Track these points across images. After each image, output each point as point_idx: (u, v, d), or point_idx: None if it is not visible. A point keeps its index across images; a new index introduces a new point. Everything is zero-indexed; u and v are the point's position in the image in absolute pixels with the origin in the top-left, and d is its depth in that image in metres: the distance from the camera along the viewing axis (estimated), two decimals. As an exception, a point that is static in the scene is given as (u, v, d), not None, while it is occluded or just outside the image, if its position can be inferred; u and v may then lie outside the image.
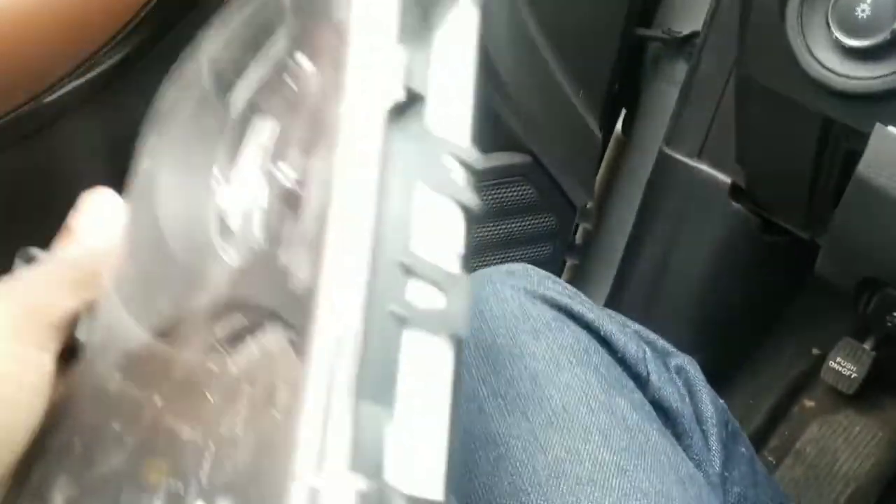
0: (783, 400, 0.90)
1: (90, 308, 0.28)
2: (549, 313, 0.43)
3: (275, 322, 0.22)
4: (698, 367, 0.50)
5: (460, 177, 0.22)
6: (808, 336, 0.91)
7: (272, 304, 0.22)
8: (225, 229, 0.27)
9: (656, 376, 0.45)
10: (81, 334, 0.29)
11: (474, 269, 0.71)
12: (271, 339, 0.22)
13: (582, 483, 0.35)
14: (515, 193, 0.68)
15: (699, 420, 0.46)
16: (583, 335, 0.43)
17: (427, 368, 0.19)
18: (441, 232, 0.21)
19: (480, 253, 0.72)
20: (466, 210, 0.21)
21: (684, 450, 0.43)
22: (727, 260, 0.73)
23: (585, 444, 0.36)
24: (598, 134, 0.71)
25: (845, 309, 0.91)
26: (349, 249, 0.19)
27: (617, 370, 0.43)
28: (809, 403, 0.91)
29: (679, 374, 0.48)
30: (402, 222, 0.20)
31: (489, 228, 0.71)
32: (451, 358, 0.20)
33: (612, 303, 0.78)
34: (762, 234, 0.72)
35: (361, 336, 0.18)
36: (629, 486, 0.35)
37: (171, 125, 0.30)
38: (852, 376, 0.84)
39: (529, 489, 0.35)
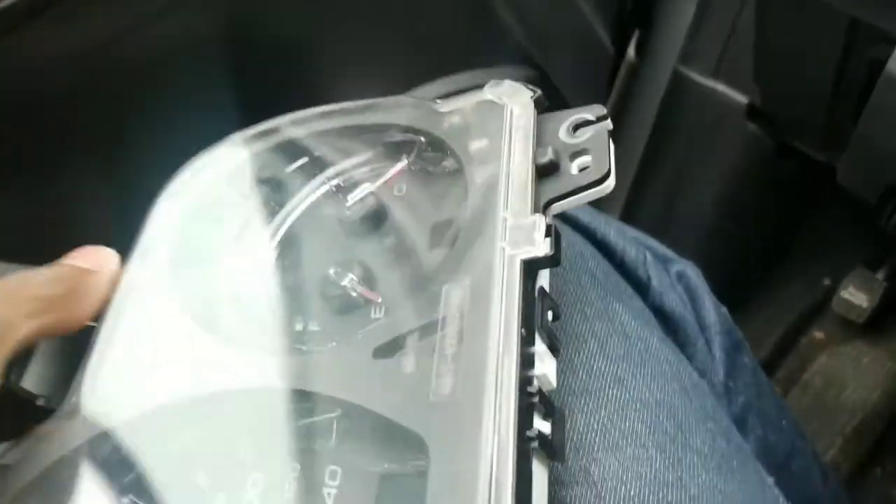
0: (791, 331, 0.89)
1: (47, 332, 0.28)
2: None
3: None
4: (700, 273, 0.48)
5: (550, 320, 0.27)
6: (819, 266, 0.90)
7: None
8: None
9: (657, 282, 0.43)
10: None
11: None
12: None
13: (575, 394, 0.32)
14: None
15: (702, 328, 0.44)
16: (577, 239, 0.41)
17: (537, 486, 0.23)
18: (544, 367, 0.25)
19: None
20: (555, 351, 0.26)
21: (688, 358, 0.41)
22: (741, 184, 0.71)
23: (578, 354, 0.34)
24: (611, 49, 0.69)
25: (858, 238, 0.90)
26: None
27: (615, 276, 0.41)
28: (818, 334, 0.90)
29: (680, 280, 0.46)
30: (529, 357, 0.24)
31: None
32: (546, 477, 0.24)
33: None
34: (777, 157, 0.70)
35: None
36: (627, 396, 0.32)
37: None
38: (863, 306, 0.84)
39: None
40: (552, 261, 0.26)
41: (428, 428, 0.23)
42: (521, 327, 0.24)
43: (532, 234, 0.26)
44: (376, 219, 0.32)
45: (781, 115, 0.65)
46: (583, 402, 0.32)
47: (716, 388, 0.42)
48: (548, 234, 0.26)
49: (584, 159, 0.29)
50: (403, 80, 0.63)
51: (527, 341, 0.24)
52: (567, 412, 0.31)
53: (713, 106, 0.68)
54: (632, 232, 0.46)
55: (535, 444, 0.23)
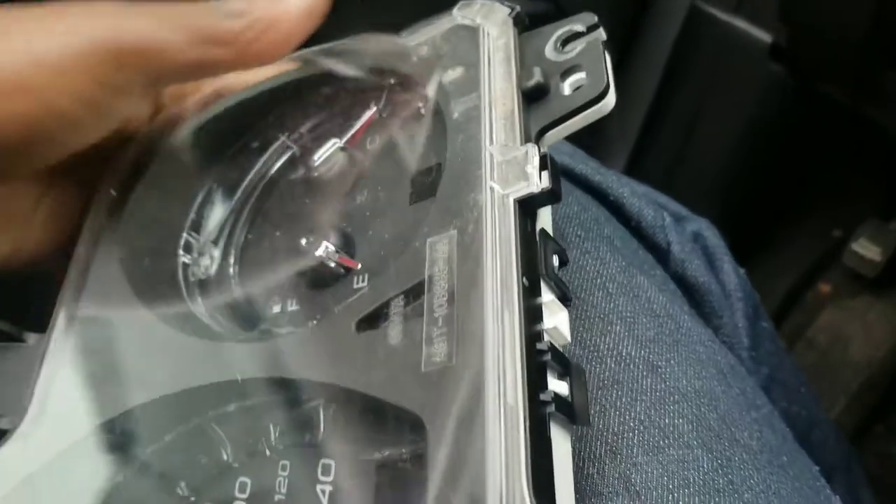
0: (798, 284, 0.86)
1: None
2: None
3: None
4: (717, 232, 0.43)
5: (557, 267, 0.23)
6: (830, 217, 0.86)
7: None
8: None
9: (678, 247, 0.38)
10: None
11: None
12: None
13: (605, 386, 0.28)
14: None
15: (724, 295, 0.40)
16: (589, 202, 0.36)
17: (558, 455, 0.20)
18: (556, 320, 0.22)
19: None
20: (566, 300, 0.23)
21: (714, 332, 0.36)
22: (757, 129, 0.67)
23: (604, 338, 0.29)
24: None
25: (871, 189, 0.86)
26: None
27: (633, 242, 0.36)
28: (825, 288, 0.87)
29: (696, 240, 0.41)
30: (535, 309, 0.21)
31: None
32: (569, 445, 0.21)
33: (630, 173, 0.72)
34: (798, 102, 0.65)
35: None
36: (663, 386, 0.28)
37: None
38: (876, 259, 0.80)
39: None
40: (551, 196, 0.23)
41: (423, 403, 0.20)
42: (522, 276, 0.21)
43: (524, 167, 0.23)
44: (348, 177, 0.29)
45: (808, 55, 0.60)
46: (615, 395, 0.28)
47: (744, 362, 0.38)
48: (543, 166, 0.23)
49: (578, 77, 0.26)
50: (390, 25, 0.57)
51: (530, 292, 0.21)
52: (598, 408, 0.27)
53: (732, 44, 0.63)
54: (642, 188, 0.41)
55: (552, 408, 0.20)
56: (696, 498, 0.25)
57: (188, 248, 0.30)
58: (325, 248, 0.26)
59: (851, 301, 0.86)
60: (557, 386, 0.21)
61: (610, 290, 0.31)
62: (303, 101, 0.31)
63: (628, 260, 0.33)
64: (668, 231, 0.38)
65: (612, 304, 0.31)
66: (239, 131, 0.31)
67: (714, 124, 0.67)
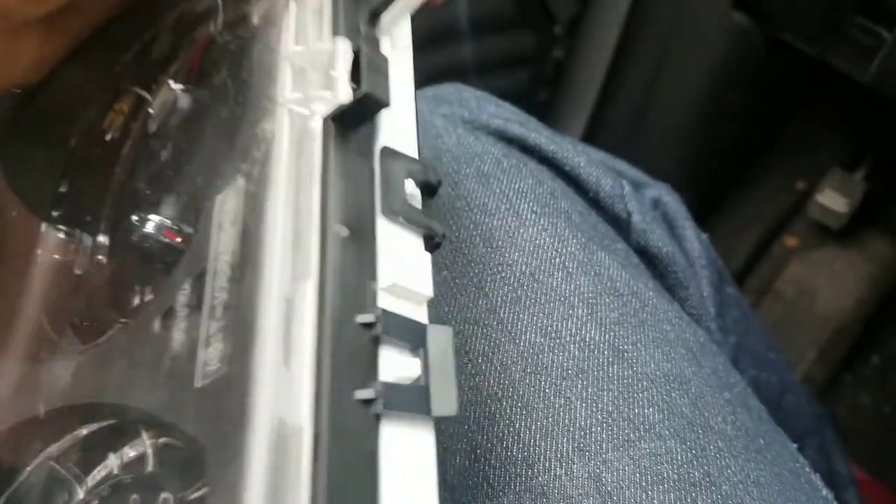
0: (764, 238, 0.85)
1: None
2: (498, 148, 0.33)
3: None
4: (677, 197, 0.41)
5: (418, 199, 0.18)
6: (795, 169, 0.85)
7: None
8: None
9: (639, 217, 0.36)
10: None
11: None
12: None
13: (569, 376, 0.25)
14: (488, 5, 0.58)
15: (689, 263, 0.38)
16: (544, 174, 0.33)
17: (409, 465, 0.15)
18: (407, 273, 0.17)
19: (444, 79, 0.63)
20: (430, 240, 0.18)
21: (680, 304, 0.35)
22: (723, 82, 0.65)
23: (567, 323, 0.27)
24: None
25: (834, 140, 0.85)
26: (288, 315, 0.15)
27: (592, 215, 0.34)
28: (791, 241, 0.86)
29: (656, 207, 0.39)
30: (362, 267, 0.16)
31: (455, 49, 0.61)
32: (432, 444, 0.16)
33: (589, 137, 0.69)
34: (763, 53, 0.63)
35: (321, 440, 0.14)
36: (631, 372, 0.26)
37: None
38: (841, 210, 0.79)
39: (499, 392, 0.26)
40: (372, 104, 0.17)
41: (203, 427, 0.16)
42: (336, 223, 0.16)
43: (328, 71, 0.18)
44: (189, 127, 0.23)
45: (774, 3, 0.57)
46: (580, 385, 0.26)
47: (712, 334, 0.36)
48: (358, 64, 0.18)
49: None
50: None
51: (355, 243, 0.16)
52: (563, 401, 0.25)
53: (694, -6, 0.60)
54: (599, 155, 0.39)
55: (378, 406, 0.15)
56: (672, 494, 0.23)
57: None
58: (157, 223, 0.21)
59: (817, 253, 0.85)
60: (401, 367, 0.16)
61: (570, 270, 0.29)
62: (146, 41, 0.26)
63: (588, 235, 0.31)
64: (628, 200, 0.35)
65: (573, 285, 0.28)
66: (87, 95, 0.26)
67: (677, 77, 0.65)
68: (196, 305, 0.17)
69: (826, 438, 0.51)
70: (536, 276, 0.28)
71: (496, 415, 0.25)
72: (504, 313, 0.28)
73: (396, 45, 0.21)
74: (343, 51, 0.18)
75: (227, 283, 0.17)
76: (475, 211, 0.30)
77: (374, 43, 0.19)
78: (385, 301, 0.16)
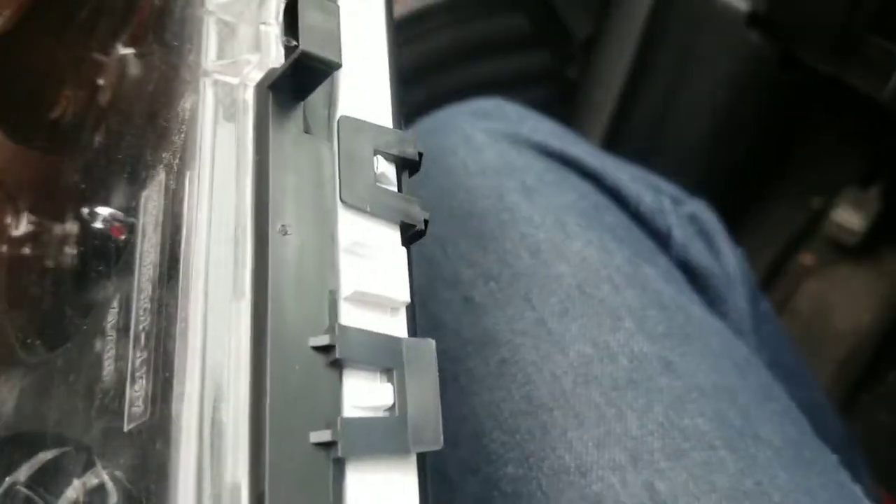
0: (780, 255, 0.84)
1: None
2: (540, 163, 0.33)
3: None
4: (714, 215, 0.42)
5: (392, 179, 0.15)
6: (810, 186, 0.85)
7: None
8: None
9: (679, 231, 0.36)
10: None
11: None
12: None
13: (620, 387, 0.26)
14: (503, 25, 0.58)
15: (727, 279, 0.38)
16: (587, 188, 0.34)
17: None
18: (377, 276, 0.14)
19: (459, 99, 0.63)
20: (408, 230, 0.14)
21: (721, 318, 0.34)
22: (736, 100, 0.65)
23: (615, 334, 0.27)
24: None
25: (850, 158, 0.85)
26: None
27: (635, 230, 0.34)
28: (807, 258, 0.86)
29: (693, 222, 0.40)
30: (318, 274, 0.13)
31: (470, 70, 0.61)
32: (414, 490, 0.13)
33: (607, 146, 0.69)
34: (777, 70, 0.63)
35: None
36: (680, 384, 0.26)
37: None
38: (856, 227, 0.79)
39: (551, 402, 0.26)
40: (316, 65, 0.13)
41: (134, 475, 0.13)
42: (283, 221, 0.13)
43: (259, 25, 0.14)
44: (136, 97, 0.19)
45: (787, 21, 0.58)
46: (630, 396, 0.26)
47: (751, 348, 0.36)
48: (293, 20, 0.14)
49: None
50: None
51: (313, 240, 0.13)
52: (615, 411, 0.24)
53: (710, 13, 0.60)
54: (637, 170, 0.39)
55: (336, 451, 0.12)
56: (724, 503, 0.23)
57: None
58: (106, 216, 0.18)
59: (834, 270, 0.85)
60: (369, 397, 0.13)
61: (617, 283, 0.29)
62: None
63: (632, 249, 0.31)
64: (668, 215, 0.36)
65: (620, 298, 0.28)
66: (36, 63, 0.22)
67: (691, 94, 0.65)
68: (124, 330, 0.14)
69: (856, 458, 0.50)
70: (584, 289, 0.29)
71: (548, 424, 0.25)
72: (553, 324, 0.28)
73: None
74: (270, 6, 0.14)
75: (150, 304, 0.14)
76: (521, 223, 0.30)
77: None
78: (348, 315, 0.13)
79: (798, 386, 0.44)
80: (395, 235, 0.15)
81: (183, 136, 0.14)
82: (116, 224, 0.17)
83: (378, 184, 0.14)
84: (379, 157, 0.15)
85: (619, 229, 0.32)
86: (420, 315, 0.29)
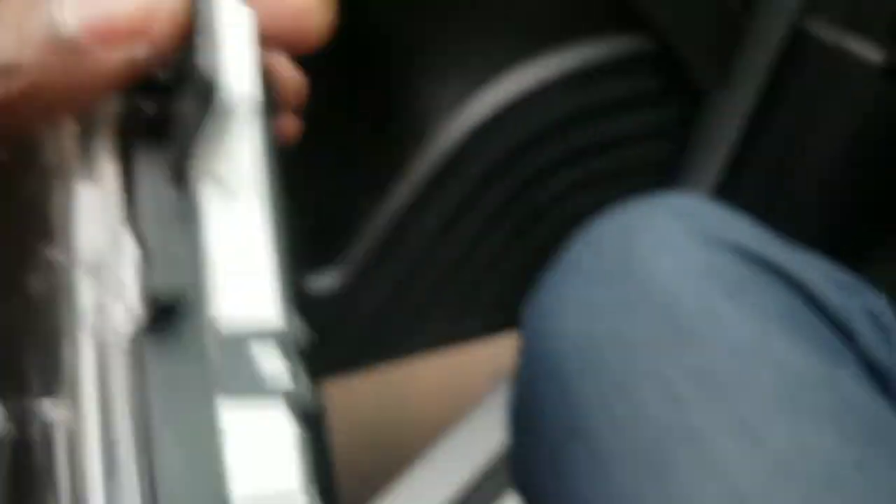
0: None
1: None
2: (741, 267, 0.35)
3: None
4: (892, 310, 0.41)
5: (277, 366, 0.14)
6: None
7: None
8: None
9: (867, 331, 0.37)
10: None
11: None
12: None
13: (814, 484, 0.28)
14: (629, 83, 0.57)
15: None
16: (784, 291, 0.35)
17: None
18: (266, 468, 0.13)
19: (579, 157, 0.61)
20: (302, 413, 0.14)
21: None
22: (865, 154, 0.62)
23: (812, 435, 0.29)
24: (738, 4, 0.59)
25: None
26: None
27: (827, 333, 0.36)
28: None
29: (868, 316, 0.40)
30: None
31: (592, 130, 0.59)
32: None
33: (720, 196, 0.67)
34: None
35: None
36: (871, 485, 0.28)
37: None
38: None
39: (749, 493, 0.28)
40: (174, 308, 0.13)
41: None
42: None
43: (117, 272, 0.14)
44: None
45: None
46: (826, 496, 0.28)
47: None
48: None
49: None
50: (500, 61, 0.54)
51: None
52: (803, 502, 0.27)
53: (839, 64, 0.58)
54: (825, 265, 0.40)
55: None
56: None
57: None
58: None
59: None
60: None
61: (814, 385, 0.31)
62: None
63: (828, 353, 0.33)
64: (855, 315, 0.36)
65: (816, 400, 0.30)
66: None
67: (817, 147, 0.63)
68: None
69: None
70: (784, 391, 0.31)
71: None
72: (754, 422, 0.30)
73: (237, 187, 0.16)
74: (128, 245, 0.13)
75: None
76: (726, 326, 0.32)
77: (174, 214, 0.14)
78: None
79: None
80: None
81: (69, 392, 0.14)
82: None
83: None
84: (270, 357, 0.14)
85: (815, 333, 0.34)
86: (624, 409, 0.31)
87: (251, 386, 0.13)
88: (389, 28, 0.53)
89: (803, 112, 0.62)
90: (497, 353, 0.63)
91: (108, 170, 0.15)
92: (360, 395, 0.80)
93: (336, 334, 0.55)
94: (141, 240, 0.14)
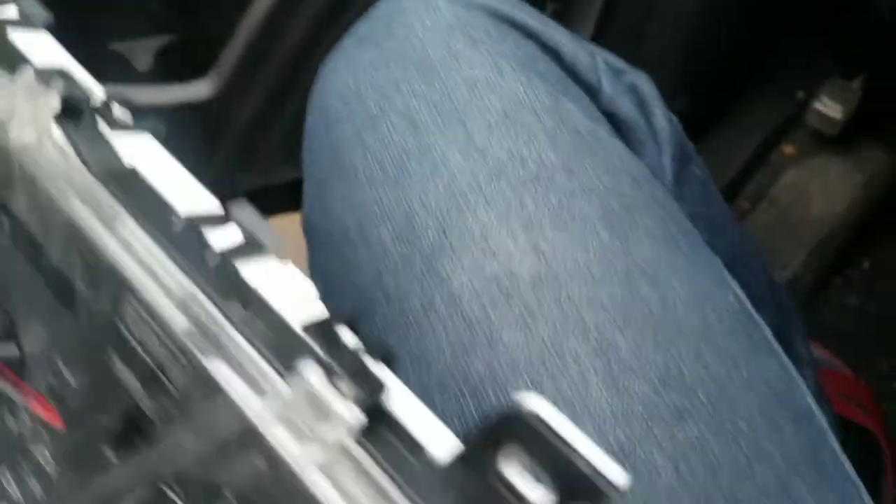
0: (762, 146, 0.88)
1: None
2: (488, 21, 0.39)
3: None
4: (653, 85, 0.46)
5: None
6: (795, 78, 0.87)
7: None
8: None
9: (609, 87, 0.42)
10: None
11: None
12: None
13: (525, 183, 0.33)
14: None
15: (653, 134, 0.44)
16: (527, 44, 0.40)
17: None
18: None
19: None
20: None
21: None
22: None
23: (529, 147, 0.34)
24: None
25: (833, 48, 0.87)
26: None
27: (566, 80, 0.40)
28: (788, 149, 0.89)
29: (632, 91, 0.44)
30: None
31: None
32: None
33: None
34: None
35: None
36: (577, 184, 0.34)
37: None
38: (837, 117, 0.82)
39: (468, 191, 0.34)
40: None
41: None
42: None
43: None
44: None
45: None
46: (533, 189, 0.33)
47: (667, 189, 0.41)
48: None
49: None
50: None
51: None
52: (518, 201, 0.32)
53: None
54: (584, 42, 0.43)
55: None
56: (595, 257, 0.31)
57: None
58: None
59: (813, 160, 0.88)
60: None
61: (537, 111, 0.35)
62: None
63: (558, 89, 0.37)
64: (601, 73, 0.41)
65: (538, 122, 0.35)
66: None
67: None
68: None
69: (783, 315, 0.55)
70: (509, 114, 0.36)
71: (462, 206, 0.34)
72: (478, 138, 0.35)
73: None
74: None
75: None
76: (463, 65, 0.37)
77: None
78: None
79: (721, 238, 0.49)
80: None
81: None
82: None
83: None
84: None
85: (550, 75, 0.38)
86: (373, 139, 0.37)
87: None
88: None
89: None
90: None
91: None
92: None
93: (215, 142, 0.60)
94: None
